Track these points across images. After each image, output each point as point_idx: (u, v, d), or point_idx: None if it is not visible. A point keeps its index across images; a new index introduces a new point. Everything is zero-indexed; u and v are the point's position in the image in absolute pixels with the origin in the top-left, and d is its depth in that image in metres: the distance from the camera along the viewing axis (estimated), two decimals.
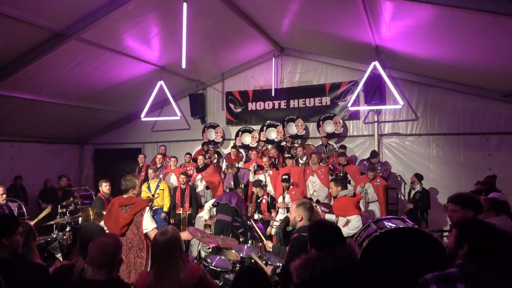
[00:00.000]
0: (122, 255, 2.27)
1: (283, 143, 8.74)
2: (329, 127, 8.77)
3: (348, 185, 6.62)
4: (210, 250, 5.95)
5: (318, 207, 6.59)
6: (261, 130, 9.37)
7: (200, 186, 8.15)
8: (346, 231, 4.59)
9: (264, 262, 4.50)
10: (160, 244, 2.31)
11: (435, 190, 7.91)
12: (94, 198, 7.00)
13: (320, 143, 8.83)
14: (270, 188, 7.56)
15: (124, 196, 3.95)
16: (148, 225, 3.77)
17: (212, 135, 9.86)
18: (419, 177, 7.36)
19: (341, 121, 8.69)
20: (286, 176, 6.76)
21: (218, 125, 9.93)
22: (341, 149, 8.30)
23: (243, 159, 9.05)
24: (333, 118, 8.75)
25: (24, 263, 2.28)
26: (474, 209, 2.77)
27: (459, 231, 2.05)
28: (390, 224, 3.10)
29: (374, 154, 8.06)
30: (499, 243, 1.93)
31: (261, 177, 7.64)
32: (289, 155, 7.87)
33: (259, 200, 6.96)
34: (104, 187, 6.02)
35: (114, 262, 2.04)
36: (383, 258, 2.71)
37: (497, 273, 1.88)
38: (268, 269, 3.61)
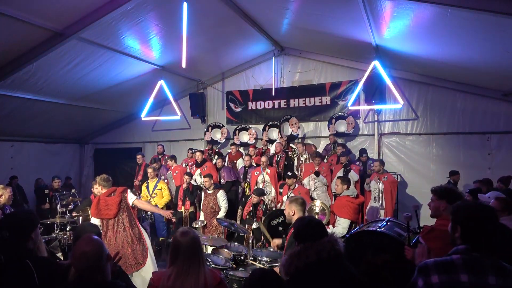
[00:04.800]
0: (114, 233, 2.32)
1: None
2: (342, 127, 8.73)
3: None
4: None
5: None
6: (264, 130, 9.38)
7: (199, 181, 8.13)
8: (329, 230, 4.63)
9: (252, 258, 4.50)
10: (182, 244, 2.24)
11: None
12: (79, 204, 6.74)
13: (327, 142, 8.81)
14: (269, 186, 7.55)
15: (104, 191, 4.75)
16: (132, 196, 4.80)
17: (218, 135, 9.83)
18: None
19: (353, 121, 8.65)
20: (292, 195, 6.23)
21: (223, 126, 9.88)
22: (341, 148, 8.12)
23: (243, 156, 9.04)
24: (346, 118, 8.70)
25: (38, 258, 2.35)
26: (447, 200, 2.78)
27: (452, 214, 1.96)
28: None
29: (363, 151, 8.17)
30: (491, 221, 1.82)
31: (259, 177, 7.62)
32: (290, 174, 7.11)
33: (256, 208, 6.47)
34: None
35: (99, 267, 1.92)
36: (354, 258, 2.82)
37: (495, 256, 1.77)
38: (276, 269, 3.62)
